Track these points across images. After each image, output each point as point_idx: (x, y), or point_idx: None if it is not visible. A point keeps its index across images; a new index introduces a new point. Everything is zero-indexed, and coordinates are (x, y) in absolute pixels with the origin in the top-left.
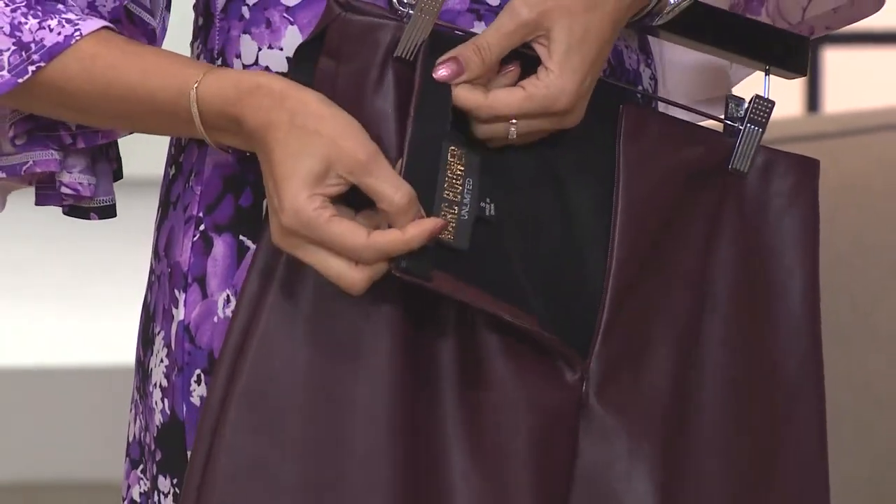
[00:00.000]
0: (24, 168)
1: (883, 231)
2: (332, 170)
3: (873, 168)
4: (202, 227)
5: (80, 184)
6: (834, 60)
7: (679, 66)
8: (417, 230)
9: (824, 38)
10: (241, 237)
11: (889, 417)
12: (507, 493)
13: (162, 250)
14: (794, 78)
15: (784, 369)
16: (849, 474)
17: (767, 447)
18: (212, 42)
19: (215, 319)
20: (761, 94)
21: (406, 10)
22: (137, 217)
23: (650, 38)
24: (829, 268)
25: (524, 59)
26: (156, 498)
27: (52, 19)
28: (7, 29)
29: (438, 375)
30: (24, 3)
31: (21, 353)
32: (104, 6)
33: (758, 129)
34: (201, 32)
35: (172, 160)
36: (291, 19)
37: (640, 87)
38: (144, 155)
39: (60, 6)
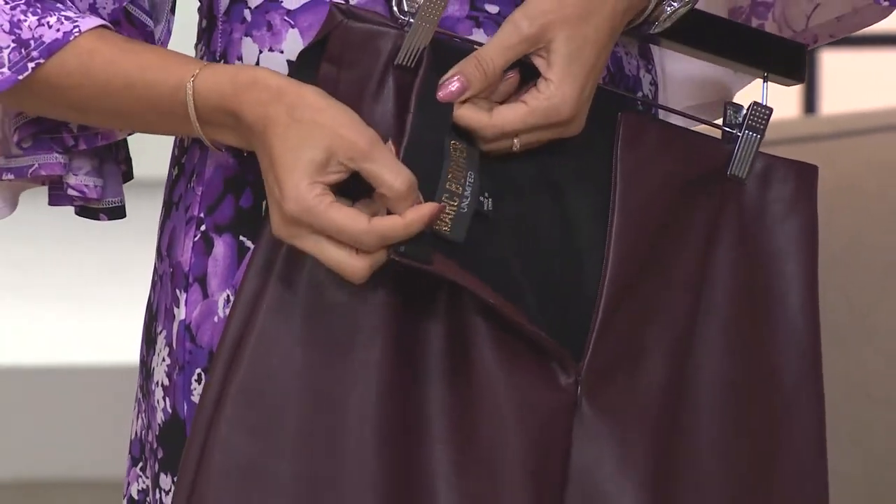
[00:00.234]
0: (31, 171)
1: (878, 232)
2: (333, 158)
3: (869, 169)
4: (203, 228)
5: (85, 186)
6: (830, 63)
7: (678, 76)
8: (416, 214)
9: None
10: (241, 237)
11: (885, 417)
12: (501, 494)
13: (164, 250)
14: (792, 85)
15: (783, 373)
16: (845, 473)
17: (766, 450)
18: (214, 44)
19: (216, 319)
20: (759, 100)
21: (407, 19)
22: (144, 217)
23: (650, 45)
24: (825, 268)
25: (523, 66)
26: (157, 495)
27: (51, 16)
28: (6, 26)
29: (432, 376)
30: (23, 1)
31: (26, 352)
32: (104, 8)
33: (756, 136)
34: (204, 35)
35: (175, 161)
36: (292, 22)
37: (639, 93)
38: (151, 156)
39: (59, 4)
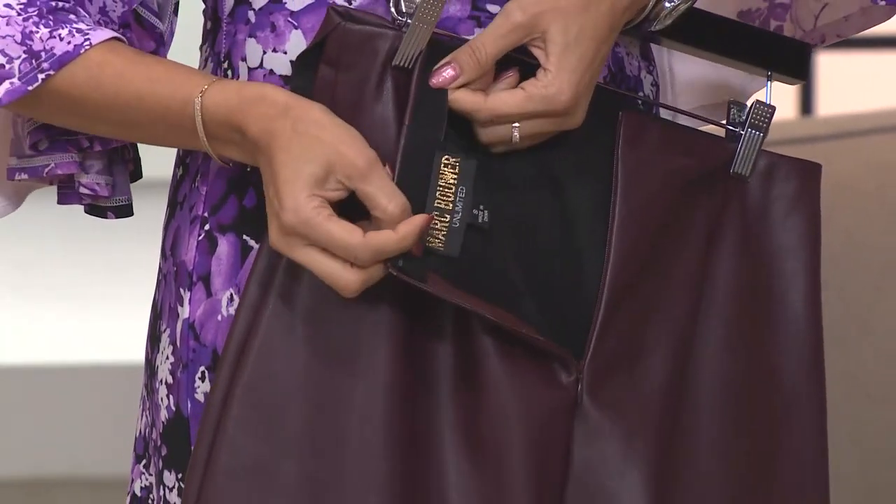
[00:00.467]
0: (46, 170)
1: (875, 231)
2: (332, 174)
3: (865, 170)
4: (207, 227)
5: (97, 184)
6: (827, 64)
7: (687, 77)
8: (409, 227)
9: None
10: (244, 237)
11: (881, 414)
12: (503, 492)
13: (168, 249)
14: (795, 83)
15: (784, 372)
16: (841, 471)
17: (766, 450)
18: (219, 45)
19: (219, 318)
20: (762, 99)
21: (404, 20)
22: (148, 217)
23: (655, 48)
24: (823, 267)
25: (524, 68)
26: (161, 492)
27: (62, 28)
28: (18, 37)
29: (434, 377)
30: (35, 13)
31: (29, 351)
32: (114, 11)
33: (759, 134)
34: (209, 36)
35: (180, 161)
36: (296, 24)
37: (640, 94)
38: (155, 156)
39: (72, 16)
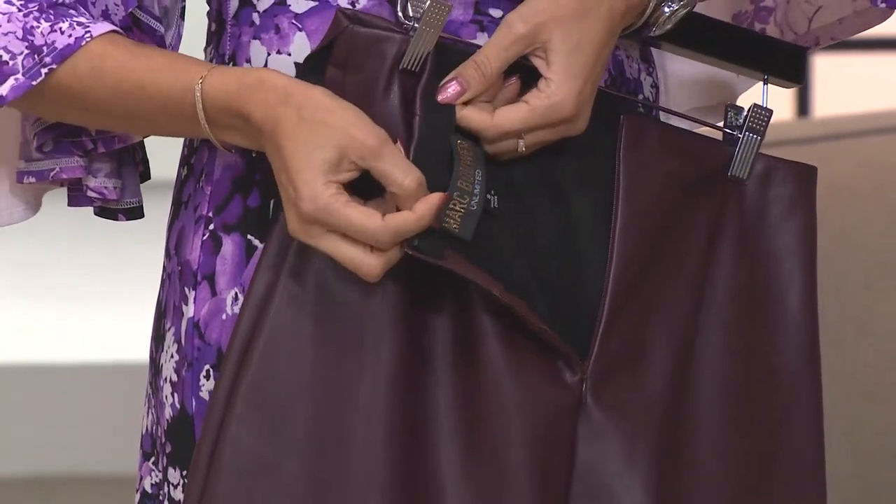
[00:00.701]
0: (52, 174)
1: (871, 232)
2: (345, 157)
3: (862, 171)
4: (212, 227)
5: (105, 187)
6: (823, 66)
7: (680, 77)
8: (426, 205)
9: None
10: (248, 237)
11: (876, 413)
12: (507, 491)
13: (173, 249)
14: (791, 87)
15: (782, 373)
16: (838, 471)
17: (766, 450)
18: (223, 47)
19: (224, 316)
20: (759, 102)
21: (411, 24)
22: (152, 217)
23: (652, 49)
24: (819, 268)
25: (524, 71)
26: (166, 489)
27: (63, 22)
28: (20, 33)
29: (440, 374)
30: (36, 8)
31: (33, 350)
32: (115, 14)
33: (756, 137)
34: (214, 38)
35: (184, 161)
36: (300, 26)
37: (640, 96)
38: (160, 157)
39: (72, 11)
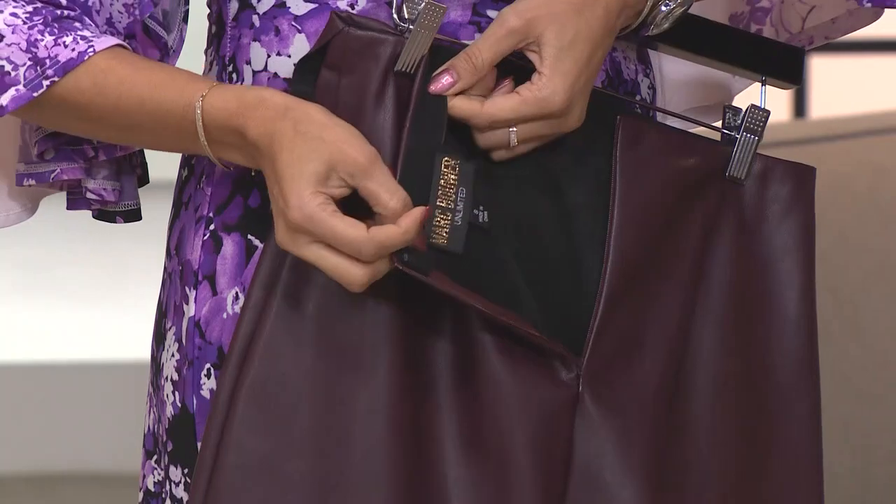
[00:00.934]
0: (53, 176)
1: (868, 232)
2: (335, 172)
3: (858, 171)
4: (212, 227)
5: (104, 190)
6: (820, 68)
7: (676, 78)
8: (410, 219)
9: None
10: (249, 236)
11: (870, 412)
12: (507, 488)
13: (174, 249)
14: (789, 88)
15: (779, 371)
16: (834, 470)
17: (762, 448)
18: (223, 49)
19: (224, 316)
20: (756, 103)
21: (406, 26)
22: (153, 218)
23: (649, 50)
24: (816, 268)
25: (519, 74)
26: (168, 487)
27: (67, 36)
28: (24, 45)
29: (437, 376)
30: (41, 21)
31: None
32: (120, 22)
33: (754, 138)
34: (214, 40)
35: (185, 162)
36: (299, 28)
37: (638, 97)
38: (160, 158)
39: (77, 24)
